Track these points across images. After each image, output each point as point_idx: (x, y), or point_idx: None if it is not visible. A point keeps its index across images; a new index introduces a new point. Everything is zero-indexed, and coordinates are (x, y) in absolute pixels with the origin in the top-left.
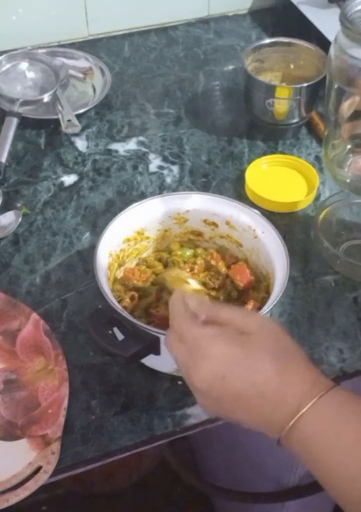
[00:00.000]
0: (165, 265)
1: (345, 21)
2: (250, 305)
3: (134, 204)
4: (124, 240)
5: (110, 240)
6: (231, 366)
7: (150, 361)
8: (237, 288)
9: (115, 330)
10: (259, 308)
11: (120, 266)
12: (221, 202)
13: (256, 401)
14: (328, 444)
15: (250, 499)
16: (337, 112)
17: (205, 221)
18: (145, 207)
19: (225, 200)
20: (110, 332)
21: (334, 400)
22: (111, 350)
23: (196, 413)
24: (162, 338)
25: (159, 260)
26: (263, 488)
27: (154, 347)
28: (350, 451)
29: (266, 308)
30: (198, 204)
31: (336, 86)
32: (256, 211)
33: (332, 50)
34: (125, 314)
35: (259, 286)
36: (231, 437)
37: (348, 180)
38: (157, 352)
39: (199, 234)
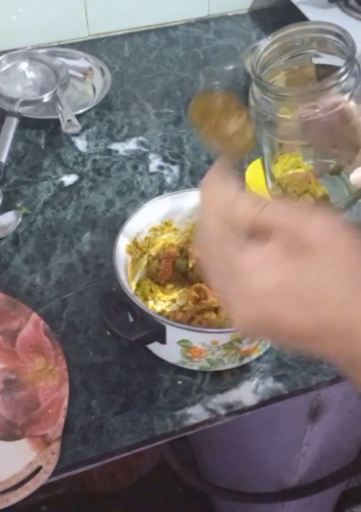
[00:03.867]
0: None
1: (254, 74)
2: None
3: (166, 194)
4: (150, 229)
5: (135, 226)
6: (284, 300)
7: (156, 349)
8: None
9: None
10: None
11: (144, 253)
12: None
13: (322, 340)
14: None
15: (250, 499)
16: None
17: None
18: (176, 199)
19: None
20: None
21: None
22: (116, 332)
23: (196, 413)
24: (168, 327)
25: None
26: (263, 488)
27: (159, 335)
28: None
29: None
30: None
31: (259, 129)
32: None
33: (250, 96)
34: (135, 299)
35: None
36: (231, 437)
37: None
38: (162, 340)
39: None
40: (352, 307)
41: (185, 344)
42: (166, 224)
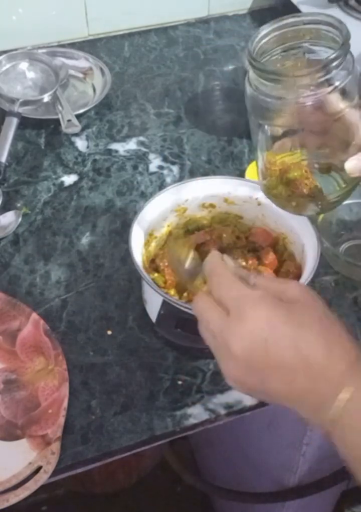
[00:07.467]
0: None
1: (250, 58)
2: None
3: (142, 208)
4: (142, 247)
5: (137, 248)
6: (276, 329)
7: None
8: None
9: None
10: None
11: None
12: (218, 182)
13: (298, 370)
14: None
15: (250, 499)
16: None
17: (202, 205)
18: (152, 207)
19: (221, 179)
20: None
21: None
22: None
23: (196, 413)
24: None
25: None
26: (263, 488)
27: None
28: None
29: (311, 265)
30: (195, 190)
31: (253, 119)
32: (254, 180)
33: (246, 84)
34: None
35: (275, 249)
36: (231, 437)
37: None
38: None
39: (196, 220)
40: (327, 349)
41: None
42: (150, 235)
